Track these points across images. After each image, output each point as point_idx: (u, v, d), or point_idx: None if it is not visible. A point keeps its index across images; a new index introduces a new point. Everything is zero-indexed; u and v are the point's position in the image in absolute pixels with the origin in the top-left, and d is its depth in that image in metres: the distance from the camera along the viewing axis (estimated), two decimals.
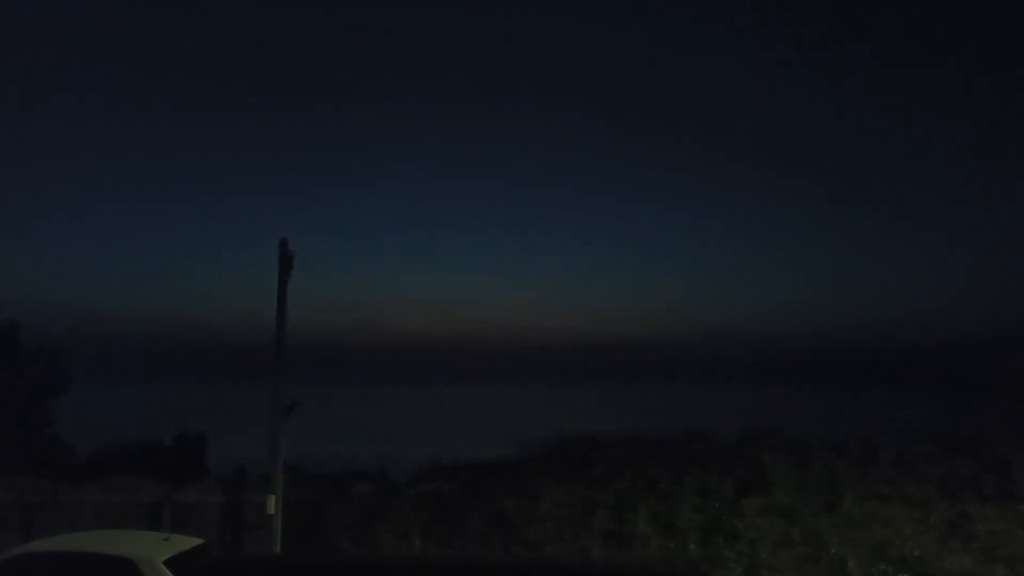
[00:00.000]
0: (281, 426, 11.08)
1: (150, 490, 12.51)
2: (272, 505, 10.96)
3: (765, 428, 15.45)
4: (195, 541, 8.93)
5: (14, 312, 20.67)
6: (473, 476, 13.17)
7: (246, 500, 12.26)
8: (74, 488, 12.58)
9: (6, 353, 19.31)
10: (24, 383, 18.94)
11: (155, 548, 8.34)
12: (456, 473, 13.48)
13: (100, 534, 9.45)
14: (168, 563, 8.04)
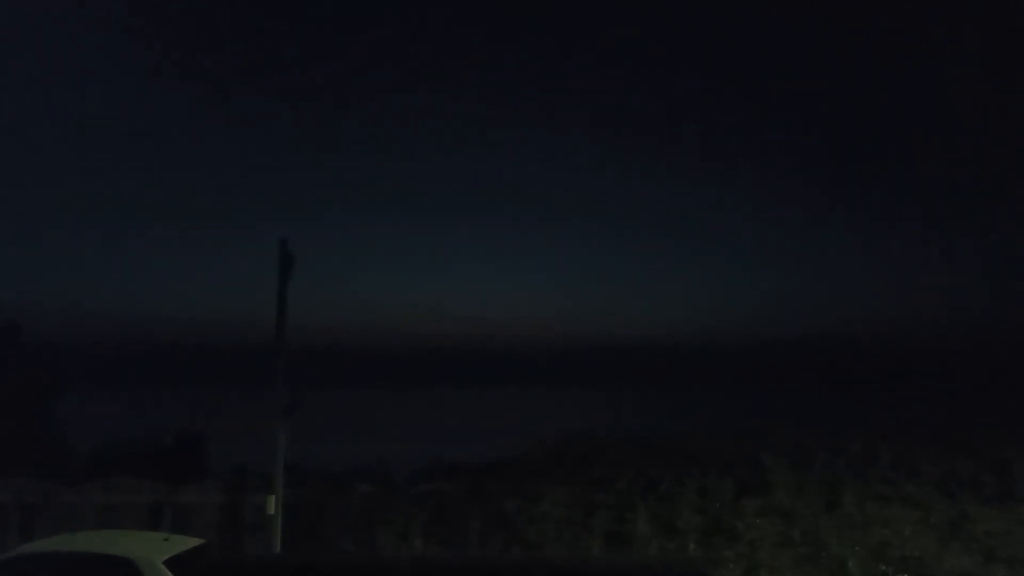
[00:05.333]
0: (281, 426, 11.09)
1: (150, 490, 12.50)
2: (272, 505, 10.96)
3: (765, 428, 15.49)
4: (195, 541, 8.94)
5: (14, 312, 20.69)
6: (473, 476, 13.20)
7: (246, 500, 12.26)
8: (74, 488, 12.57)
9: (6, 353, 19.31)
10: (24, 383, 18.93)
11: (155, 548, 8.35)
12: (456, 473, 13.50)
13: (100, 534, 9.46)
14: (168, 563, 8.05)
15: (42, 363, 19.87)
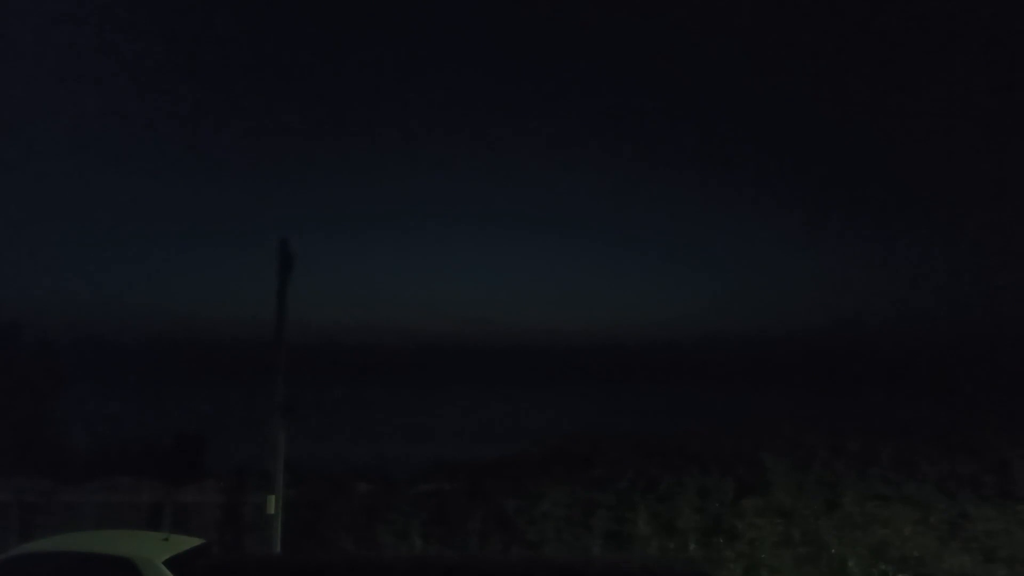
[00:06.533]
0: (281, 426, 11.09)
1: (150, 490, 12.50)
2: (272, 505, 10.96)
3: (765, 426, 15.50)
4: (195, 541, 8.93)
5: (15, 311, 20.64)
6: (473, 476, 13.19)
7: (246, 500, 12.26)
8: (74, 488, 12.57)
9: (6, 352, 19.30)
10: (24, 383, 18.91)
11: (155, 548, 8.34)
12: (456, 473, 13.49)
13: (100, 534, 9.46)
14: (168, 563, 8.04)
15: (43, 362, 19.86)
